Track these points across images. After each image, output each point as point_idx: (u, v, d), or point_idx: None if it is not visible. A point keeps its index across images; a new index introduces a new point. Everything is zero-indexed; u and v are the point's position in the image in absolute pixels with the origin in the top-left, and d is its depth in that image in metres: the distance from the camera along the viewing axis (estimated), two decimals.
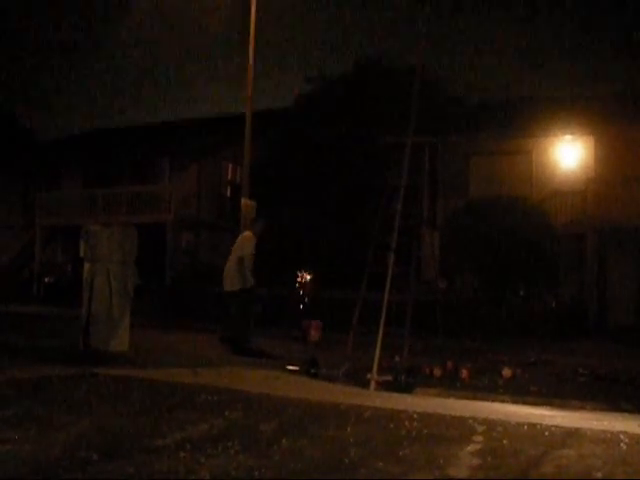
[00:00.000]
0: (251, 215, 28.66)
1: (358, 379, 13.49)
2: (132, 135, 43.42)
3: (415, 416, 8.02)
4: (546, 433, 7.42)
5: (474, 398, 12.19)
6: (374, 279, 16.49)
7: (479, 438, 7.05)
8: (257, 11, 29.10)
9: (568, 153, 31.62)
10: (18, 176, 47.90)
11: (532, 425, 7.78)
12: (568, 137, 31.25)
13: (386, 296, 14.38)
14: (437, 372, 14.77)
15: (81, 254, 15.17)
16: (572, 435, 7.40)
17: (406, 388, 12.98)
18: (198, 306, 30.05)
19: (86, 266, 14.95)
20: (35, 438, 6.67)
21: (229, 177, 42.10)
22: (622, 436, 7.36)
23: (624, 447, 6.94)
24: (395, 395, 11.91)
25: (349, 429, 7.28)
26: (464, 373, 14.69)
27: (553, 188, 31.12)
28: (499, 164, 33.46)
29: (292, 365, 14.92)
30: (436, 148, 33.62)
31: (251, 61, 29.06)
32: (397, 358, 15.07)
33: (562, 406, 11.54)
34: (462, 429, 7.46)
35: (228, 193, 42.04)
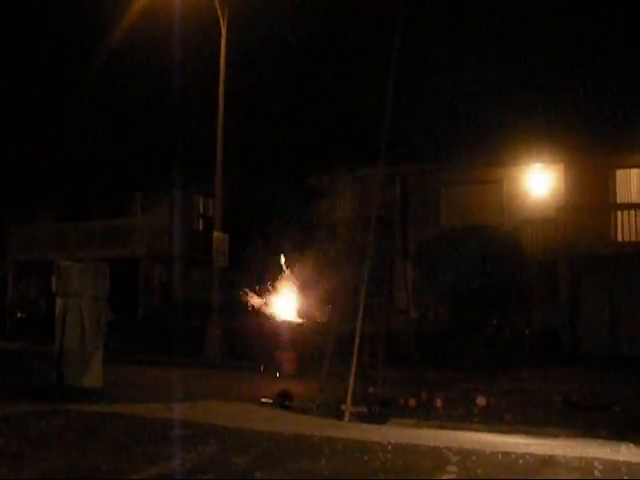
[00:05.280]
0: (224, 248, 28.66)
1: (332, 411, 13.44)
2: (104, 169, 43.29)
3: (389, 447, 8.02)
4: (520, 461, 7.44)
5: (448, 428, 12.18)
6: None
7: (453, 468, 7.06)
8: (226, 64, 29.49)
9: (539, 181, 31.72)
10: None
11: (506, 454, 7.79)
12: (538, 165, 31.38)
13: (359, 327, 14.36)
14: (411, 402, 14.75)
15: (53, 289, 15.10)
16: (546, 463, 7.42)
17: (380, 419, 12.94)
18: (171, 341, 29.88)
19: (58, 302, 14.87)
20: (7, 475, 6.62)
21: (201, 210, 42.01)
22: (596, 462, 7.39)
23: (598, 473, 6.97)
24: (369, 426, 11.89)
25: (323, 461, 7.26)
26: (438, 403, 14.69)
27: (524, 217, 31.20)
28: (470, 193, 33.53)
29: (266, 398, 14.87)
30: (407, 178, 33.71)
31: (221, 111, 29.28)
32: (371, 389, 15.03)
33: (537, 434, 11.55)
34: (436, 459, 7.47)
35: (200, 226, 41.95)
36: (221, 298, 29.01)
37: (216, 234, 28.58)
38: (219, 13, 29.19)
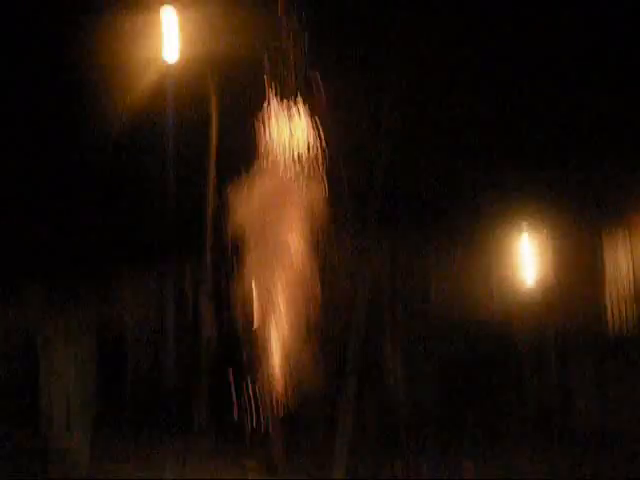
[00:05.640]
0: (210, 318, 28.71)
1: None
2: (92, 254, 43.26)
3: None
4: None
5: None
6: None
7: None
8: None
9: None
10: None
11: None
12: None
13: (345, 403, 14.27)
14: None
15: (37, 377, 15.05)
16: None
17: None
18: (160, 412, 29.63)
19: (43, 387, 14.80)
20: None
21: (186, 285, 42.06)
22: None
23: None
24: None
25: None
26: None
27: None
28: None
29: (251, 461, 14.81)
30: (396, 253, 33.80)
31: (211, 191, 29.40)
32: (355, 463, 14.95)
33: None
34: None
35: (190, 299, 41.94)
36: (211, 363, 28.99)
37: (202, 305, 28.71)
38: (210, 91, 29.21)
